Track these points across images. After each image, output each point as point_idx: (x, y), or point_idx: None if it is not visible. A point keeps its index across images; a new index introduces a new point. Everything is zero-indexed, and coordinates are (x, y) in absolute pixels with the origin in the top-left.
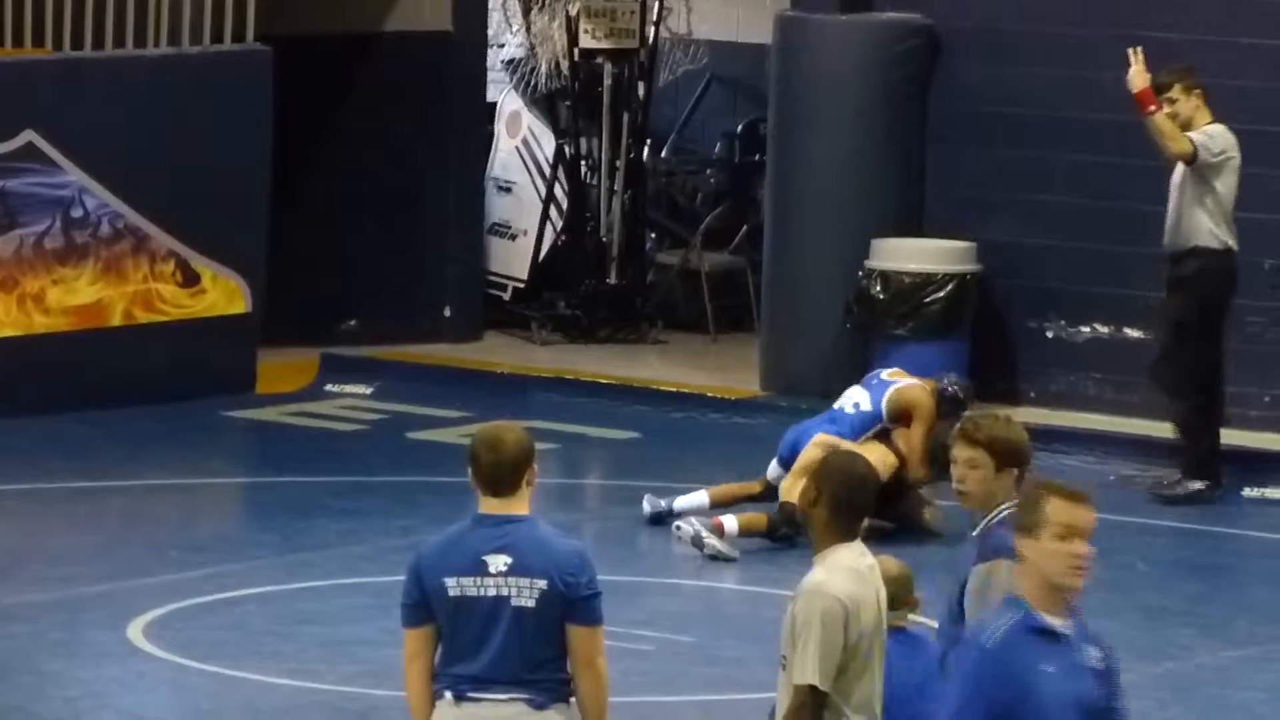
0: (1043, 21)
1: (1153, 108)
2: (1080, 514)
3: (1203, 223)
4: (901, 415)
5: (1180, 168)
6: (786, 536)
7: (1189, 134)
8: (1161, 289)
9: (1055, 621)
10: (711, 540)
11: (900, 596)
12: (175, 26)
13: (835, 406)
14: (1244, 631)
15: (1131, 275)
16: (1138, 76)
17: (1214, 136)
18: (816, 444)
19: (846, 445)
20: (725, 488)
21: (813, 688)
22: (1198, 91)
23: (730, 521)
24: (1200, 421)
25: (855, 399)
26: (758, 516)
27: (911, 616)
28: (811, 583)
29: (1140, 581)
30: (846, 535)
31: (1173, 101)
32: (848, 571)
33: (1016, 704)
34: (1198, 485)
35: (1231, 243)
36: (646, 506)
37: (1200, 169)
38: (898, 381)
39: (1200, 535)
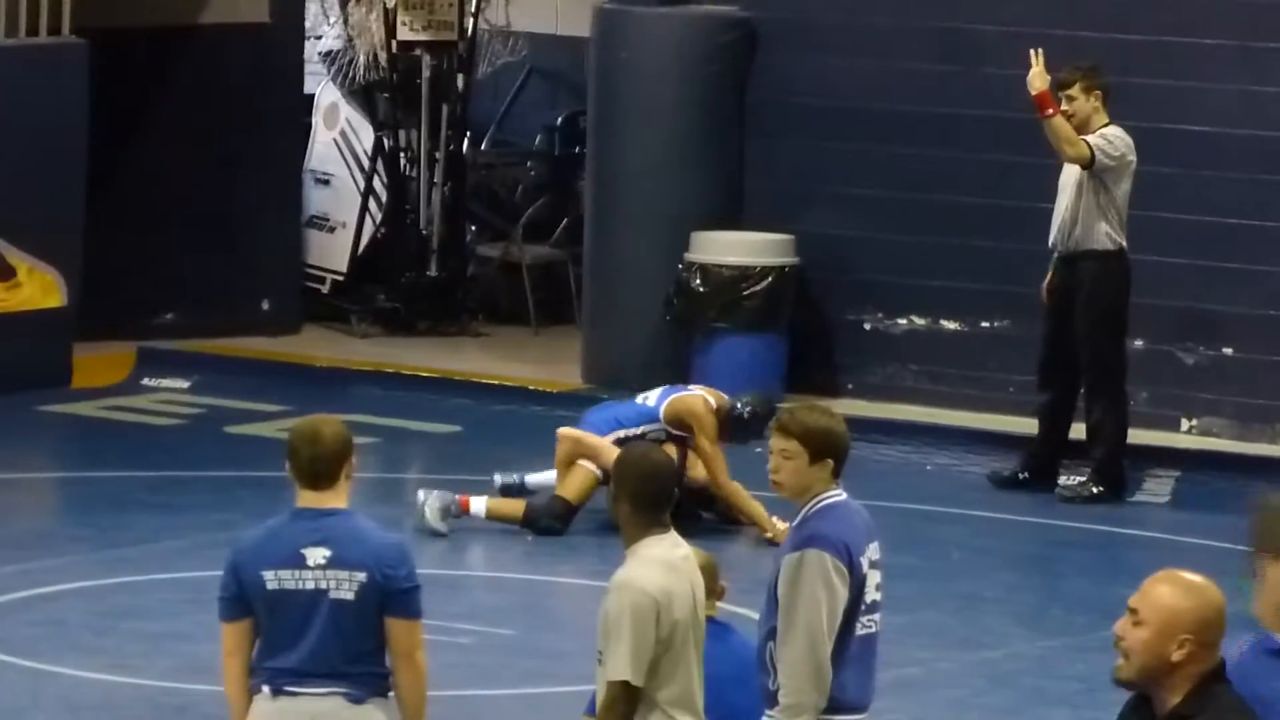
0: (858, 13)
1: (1050, 110)
2: None
3: (1099, 226)
4: (679, 423)
5: (1073, 168)
6: (549, 529)
7: (1086, 138)
8: (1036, 287)
9: None
10: (428, 512)
11: (706, 586)
12: None
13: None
14: (1059, 621)
15: (948, 268)
16: (1037, 78)
17: (1112, 140)
18: (560, 437)
19: (590, 438)
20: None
21: (625, 683)
22: (1098, 92)
23: (479, 503)
24: (1112, 424)
25: (649, 395)
26: (515, 504)
27: (720, 605)
28: (622, 577)
29: (956, 570)
30: (653, 527)
31: (1071, 100)
32: (659, 564)
33: None
34: (1100, 489)
35: (1124, 244)
36: (498, 479)
37: (1098, 172)
38: (687, 389)
39: (1016, 525)
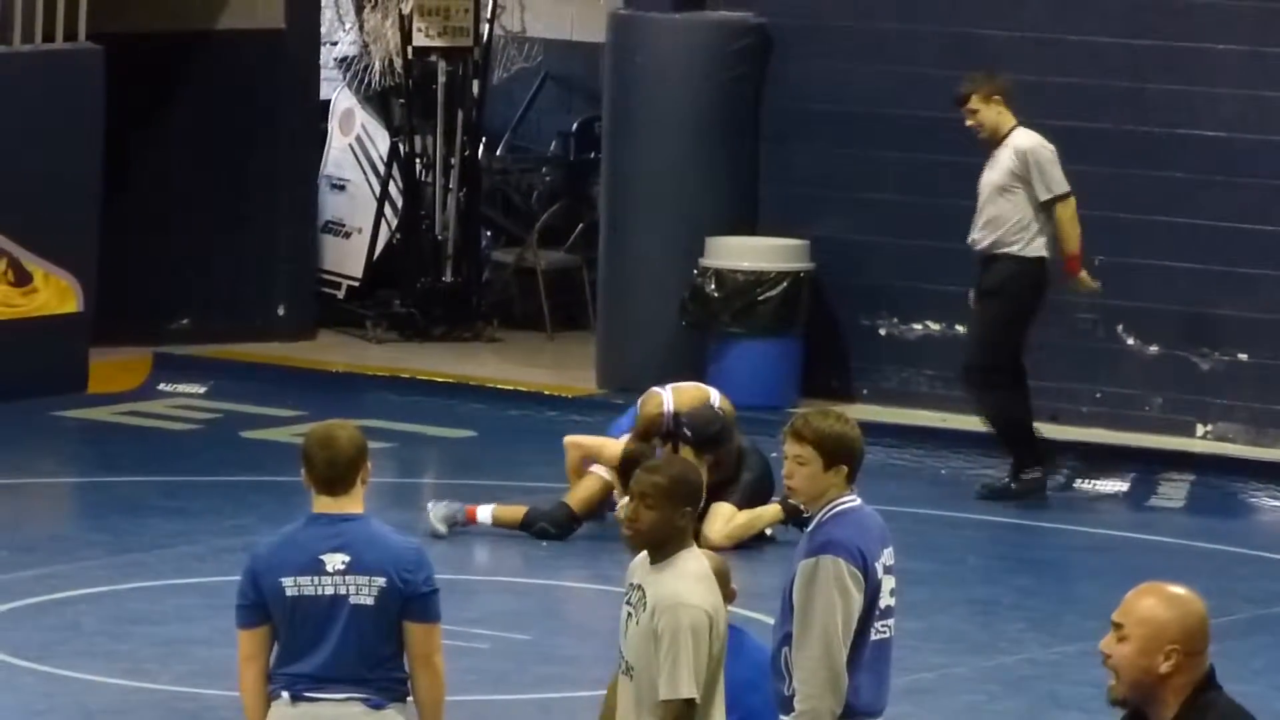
0: (872, 18)
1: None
2: None
3: (1013, 226)
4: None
5: (992, 166)
6: (545, 532)
7: (1013, 144)
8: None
9: None
10: (431, 514)
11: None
12: (6, 25)
13: None
14: (1073, 626)
15: (963, 272)
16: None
17: (1037, 151)
18: (567, 446)
19: (590, 439)
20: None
21: (691, 702)
22: (997, 97)
23: (484, 511)
24: (1021, 410)
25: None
26: (515, 510)
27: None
28: (671, 594)
29: (970, 575)
30: (692, 539)
31: (974, 113)
32: (702, 579)
33: None
34: (1034, 474)
35: (1044, 251)
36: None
37: (1022, 176)
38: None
39: (1030, 530)
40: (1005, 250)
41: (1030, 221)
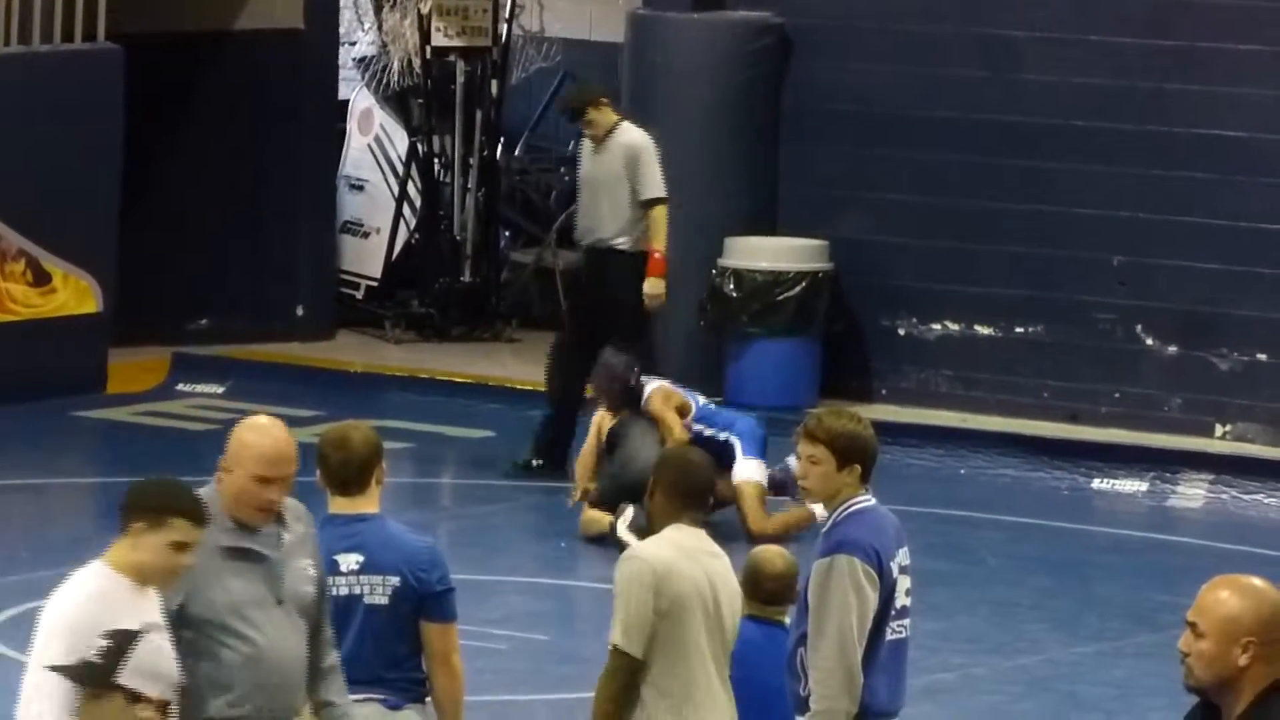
0: (892, 18)
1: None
2: None
3: (626, 222)
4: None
5: (598, 162)
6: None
7: (646, 190)
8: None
9: None
10: (620, 524)
11: (782, 593)
12: (25, 25)
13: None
14: (1094, 626)
15: (981, 273)
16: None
17: (649, 148)
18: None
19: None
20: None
21: (616, 649)
22: (605, 101)
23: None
24: (576, 400)
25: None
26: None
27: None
28: (628, 550)
29: (991, 576)
30: (681, 518)
31: (590, 124)
32: (670, 544)
33: None
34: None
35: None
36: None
37: (633, 171)
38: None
39: (1050, 530)
40: (616, 245)
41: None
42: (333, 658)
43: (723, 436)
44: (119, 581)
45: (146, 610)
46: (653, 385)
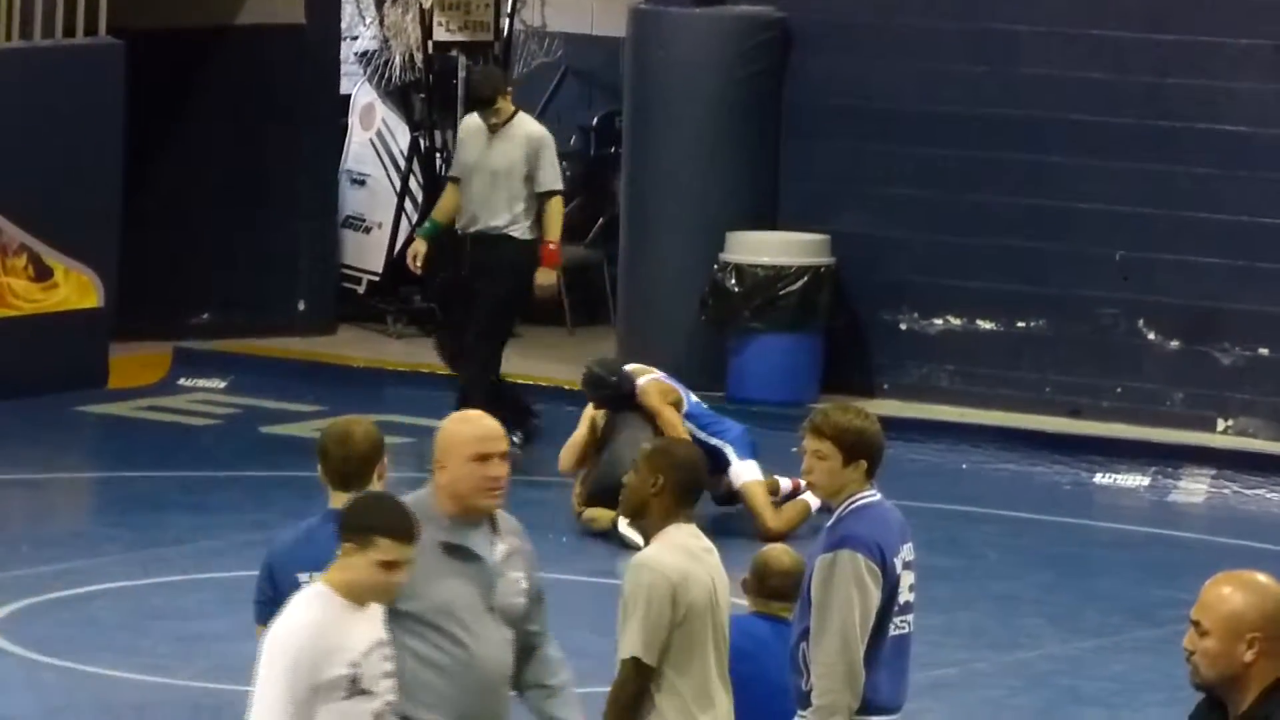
0: (893, 13)
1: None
2: None
3: (522, 210)
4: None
5: (496, 150)
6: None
7: (547, 184)
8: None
9: None
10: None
11: (789, 589)
12: (27, 19)
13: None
14: (1094, 621)
15: (983, 268)
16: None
17: (550, 141)
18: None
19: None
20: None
21: (637, 661)
22: (510, 90)
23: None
24: (493, 378)
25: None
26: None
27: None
28: (641, 558)
29: (991, 570)
30: (680, 517)
31: (498, 112)
32: (679, 549)
33: None
34: (516, 437)
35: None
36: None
37: (534, 161)
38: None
39: (1051, 525)
40: (509, 232)
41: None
42: (562, 675)
43: (714, 443)
44: (336, 603)
45: (366, 630)
46: (647, 378)
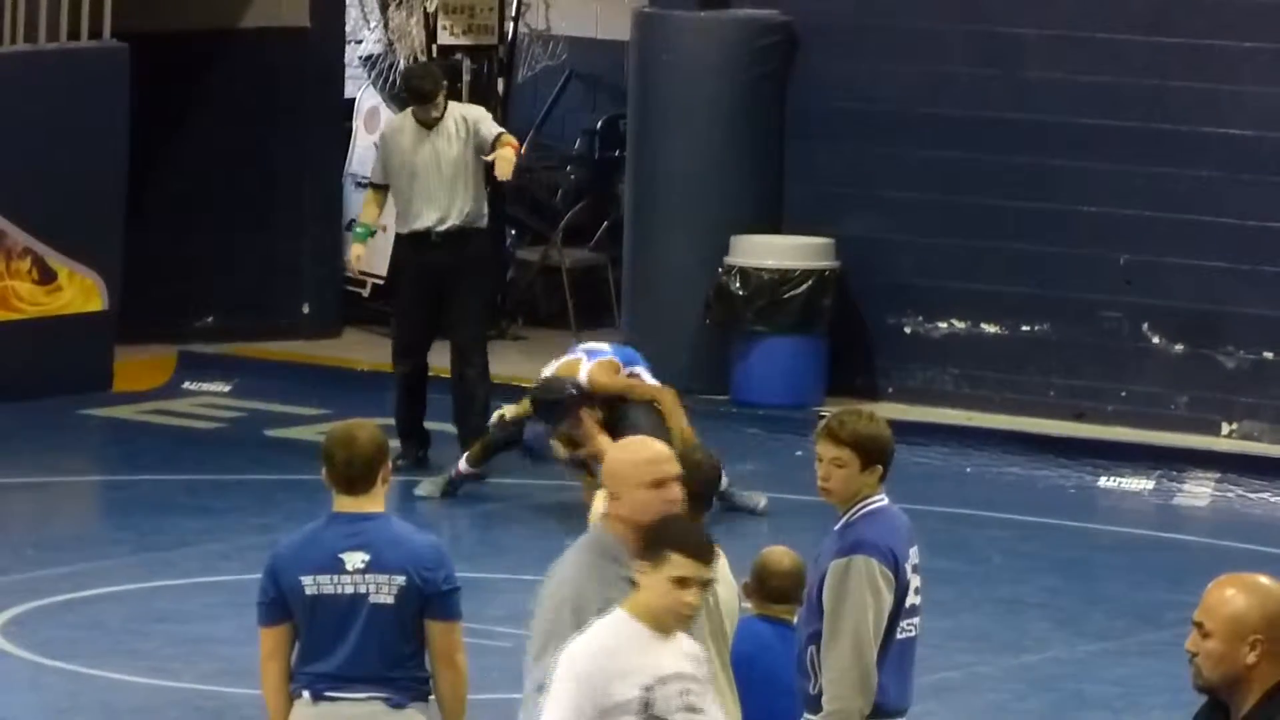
0: (898, 17)
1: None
2: None
3: (483, 205)
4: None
5: (440, 145)
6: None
7: (500, 159)
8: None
9: None
10: (426, 485)
11: (790, 591)
12: (31, 23)
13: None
14: (1099, 624)
15: (987, 271)
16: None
17: (477, 107)
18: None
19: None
20: None
21: None
22: (444, 84)
23: (462, 463)
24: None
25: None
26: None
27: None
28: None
29: (996, 574)
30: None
31: (437, 107)
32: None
33: None
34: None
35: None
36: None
37: (474, 132)
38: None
39: (1056, 528)
40: (479, 226)
41: None
42: None
43: (638, 369)
44: (635, 630)
45: (669, 659)
46: (583, 369)
